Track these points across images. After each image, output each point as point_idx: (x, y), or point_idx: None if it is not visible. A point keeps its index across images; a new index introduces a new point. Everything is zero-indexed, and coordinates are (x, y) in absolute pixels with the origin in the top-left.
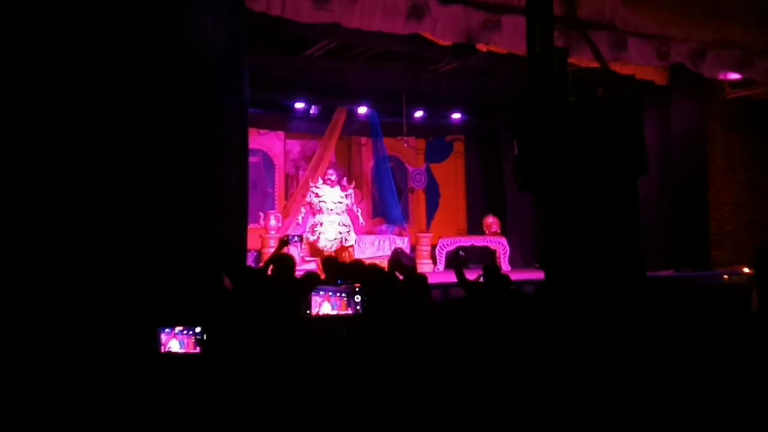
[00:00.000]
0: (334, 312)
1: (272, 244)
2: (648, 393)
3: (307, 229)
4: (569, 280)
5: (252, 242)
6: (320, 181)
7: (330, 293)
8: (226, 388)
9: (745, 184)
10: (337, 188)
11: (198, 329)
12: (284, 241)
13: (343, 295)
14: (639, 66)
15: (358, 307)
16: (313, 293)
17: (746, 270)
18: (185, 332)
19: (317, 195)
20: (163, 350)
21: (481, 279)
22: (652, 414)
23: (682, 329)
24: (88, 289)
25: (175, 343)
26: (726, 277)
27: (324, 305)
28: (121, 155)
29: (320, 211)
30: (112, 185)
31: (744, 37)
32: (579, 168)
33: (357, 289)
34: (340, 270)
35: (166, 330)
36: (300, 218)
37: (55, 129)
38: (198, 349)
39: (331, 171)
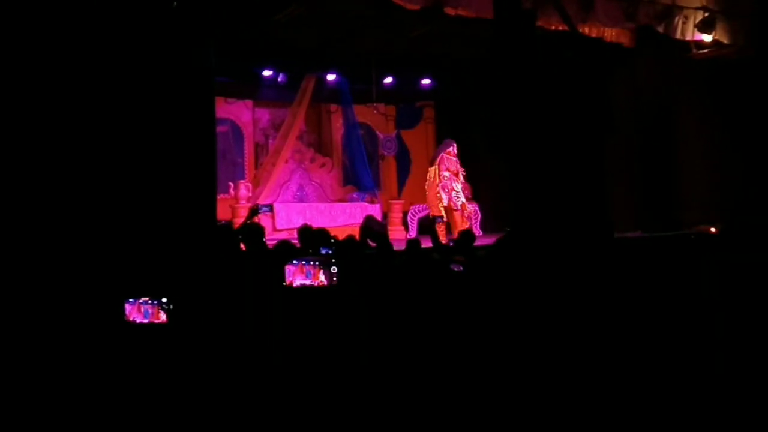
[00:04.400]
0: (308, 282)
1: (243, 214)
2: (614, 353)
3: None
4: (537, 238)
5: (222, 212)
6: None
7: (303, 263)
8: (194, 360)
9: (711, 144)
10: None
11: (164, 299)
12: (254, 211)
13: (317, 264)
14: (607, 28)
15: (333, 278)
16: (287, 264)
17: (713, 230)
18: (151, 303)
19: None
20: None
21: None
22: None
23: (649, 289)
24: (49, 261)
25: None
26: (693, 237)
27: (297, 275)
28: (79, 125)
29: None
30: (70, 156)
31: None
32: (547, 129)
33: (332, 260)
34: (314, 239)
35: (131, 300)
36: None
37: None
38: (164, 319)
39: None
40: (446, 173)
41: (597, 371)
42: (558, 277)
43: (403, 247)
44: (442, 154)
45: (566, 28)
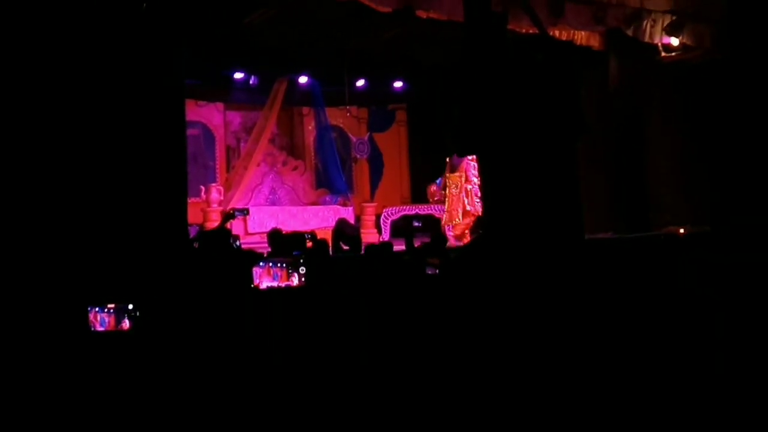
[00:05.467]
0: (275, 284)
1: (214, 218)
2: (588, 352)
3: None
4: (510, 241)
5: (193, 216)
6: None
7: (270, 264)
8: (162, 365)
9: (679, 146)
10: None
11: (130, 306)
12: (229, 215)
13: (284, 266)
14: (576, 31)
15: (302, 279)
16: (255, 266)
17: (681, 231)
18: (114, 310)
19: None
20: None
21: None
22: (590, 373)
23: (620, 289)
24: (17, 266)
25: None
26: (663, 238)
27: (265, 278)
28: (47, 128)
29: None
30: (37, 158)
31: (677, 1)
32: (519, 131)
33: (300, 261)
34: (286, 242)
35: (97, 308)
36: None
37: None
38: (128, 326)
39: None
40: (475, 179)
41: (571, 368)
42: (530, 278)
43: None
44: (466, 160)
45: (537, 30)
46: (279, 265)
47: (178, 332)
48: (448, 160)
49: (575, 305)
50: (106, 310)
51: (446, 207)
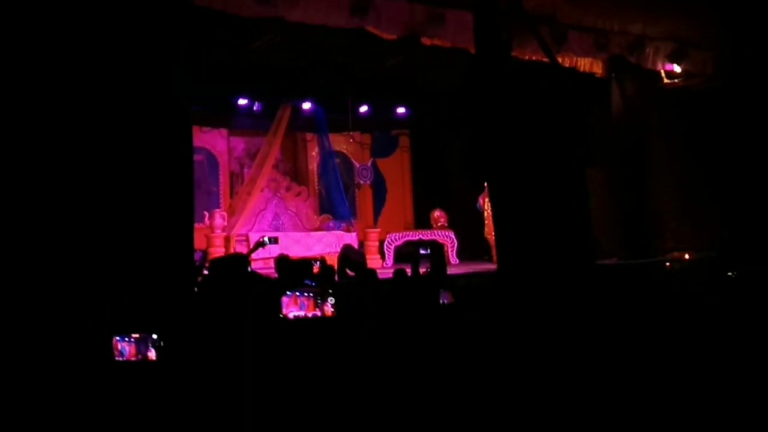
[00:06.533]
0: (302, 313)
1: (218, 243)
2: (603, 377)
3: None
4: (523, 269)
5: (197, 242)
6: None
7: (297, 294)
8: (186, 397)
9: (682, 172)
10: None
11: (155, 336)
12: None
13: (311, 295)
14: (579, 58)
15: (332, 309)
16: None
17: (687, 256)
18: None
19: None
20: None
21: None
22: (603, 394)
23: (631, 315)
24: (37, 298)
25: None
26: (668, 264)
27: (291, 307)
28: (57, 157)
29: None
30: (50, 194)
31: (680, 29)
32: (529, 159)
33: (330, 291)
34: (293, 269)
35: (119, 337)
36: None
37: None
38: (154, 356)
39: None
40: None
41: (583, 388)
42: (546, 307)
43: (390, 277)
44: None
45: (540, 57)
46: (306, 294)
47: (197, 361)
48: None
49: (587, 329)
50: (127, 339)
51: (486, 230)
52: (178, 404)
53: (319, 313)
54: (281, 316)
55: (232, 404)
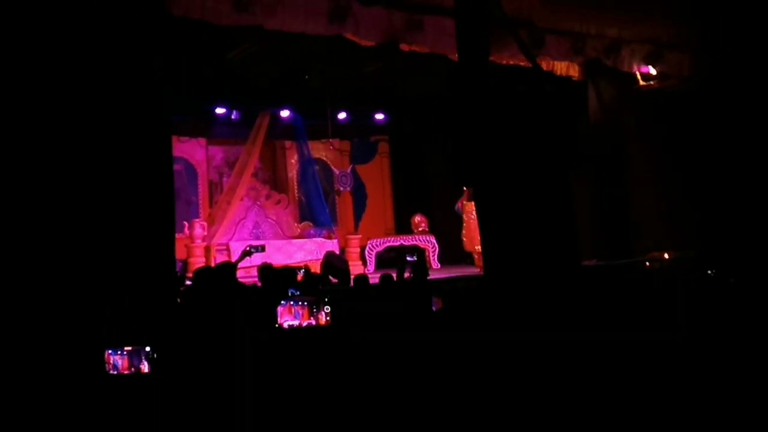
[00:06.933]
0: (297, 322)
1: (198, 253)
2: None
3: None
4: (509, 271)
5: (177, 252)
6: None
7: (291, 303)
8: (177, 408)
9: (660, 173)
10: None
11: (147, 348)
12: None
13: (305, 304)
14: (556, 62)
15: (327, 318)
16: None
17: (666, 256)
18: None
19: None
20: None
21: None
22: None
23: (615, 315)
24: (13, 310)
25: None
26: (648, 264)
27: (286, 316)
28: (38, 168)
29: None
30: (30, 206)
31: (655, 31)
32: (511, 162)
33: (326, 299)
34: (277, 278)
35: (111, 350)
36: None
37: None
38: (147, 369)
39: None
40: None
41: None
42: (530, 306)
43: (376, 282)
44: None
45: (518, 62)
46: (301, 303)
47: (186, 372)
48: (465, 188)
49: (576, 330)
50: (119, 352)
51: (463, 233)
52: (169, 416)
53: (313, 322)
54: (276, 326)
55: (224, 415)
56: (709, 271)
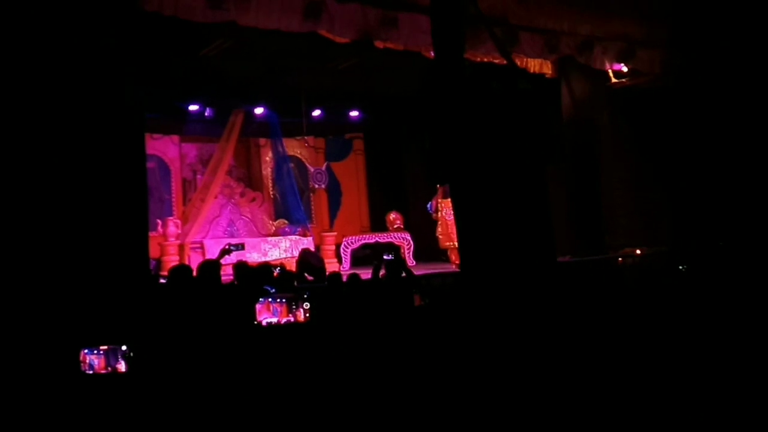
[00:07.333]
0: (275, 320)
1: (172, 252)
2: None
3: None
4: (485, 267)
5: (151, 250)
6: None
7: (270, 300)
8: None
9: (633, 169)
10: None
11: (124, 347)
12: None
13: (284, 301)
14: (530, 59)
15: (306, 314)
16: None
17: (639, 252)
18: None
19: None
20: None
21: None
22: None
23: (589, 310)
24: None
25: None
26: (620, 260)
27: (264, 313)
28: (8, 173)
29: None
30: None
31: (628, 29)
32: (490, 159)
33: (305, 296)
34: (252, 275)
35: (87, 350)
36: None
37: None
38: (125, 368)
39: None
40: None
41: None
42: (508, 302)
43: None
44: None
45: (491, 59)
46: (279, 300)
47: (165, 370)
48: (439, 186)
49: (552, 326)
50: (95, 351)
51: (439, 230)
52: (147, 415)
53: (292, 319)
54: (255, 323)
55: (204, 413)
56: (681, 267)
